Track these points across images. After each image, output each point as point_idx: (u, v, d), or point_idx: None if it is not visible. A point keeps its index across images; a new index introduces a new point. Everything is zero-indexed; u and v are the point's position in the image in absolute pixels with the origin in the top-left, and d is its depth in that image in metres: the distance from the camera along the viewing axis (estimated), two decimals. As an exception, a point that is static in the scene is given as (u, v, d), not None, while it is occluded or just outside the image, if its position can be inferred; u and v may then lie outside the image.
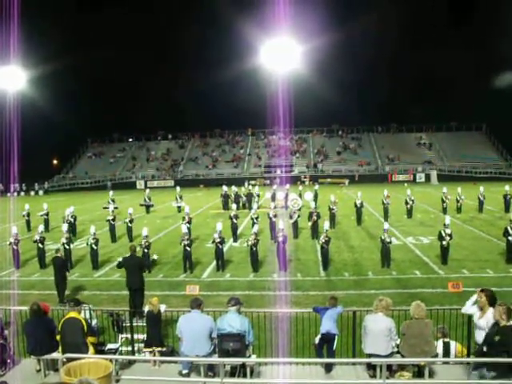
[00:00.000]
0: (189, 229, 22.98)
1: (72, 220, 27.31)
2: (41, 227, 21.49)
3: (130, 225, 25.55)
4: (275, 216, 24.43)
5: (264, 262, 19.96)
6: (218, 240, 19.09)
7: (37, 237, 20.42)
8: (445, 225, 19.66)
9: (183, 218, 25.09)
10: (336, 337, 9.58)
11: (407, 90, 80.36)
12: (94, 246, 20.01)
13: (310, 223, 24.32)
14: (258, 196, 36.08)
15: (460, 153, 70.53)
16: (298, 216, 25.67)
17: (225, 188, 36.66)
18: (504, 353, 7.38)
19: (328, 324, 9.50)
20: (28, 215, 30.24)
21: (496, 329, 7.63)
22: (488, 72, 65.52)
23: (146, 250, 18.90)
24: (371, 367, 8.51)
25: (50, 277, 17.96)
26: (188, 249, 19.03)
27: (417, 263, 19.21)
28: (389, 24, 73.40)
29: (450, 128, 77.52)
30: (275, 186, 37.19)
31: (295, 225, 25.10)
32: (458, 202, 31.26)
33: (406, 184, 58.69)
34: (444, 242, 18.96)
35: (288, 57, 56.18)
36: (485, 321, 8.07)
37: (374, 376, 8.38)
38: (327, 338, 9.50)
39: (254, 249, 18.83)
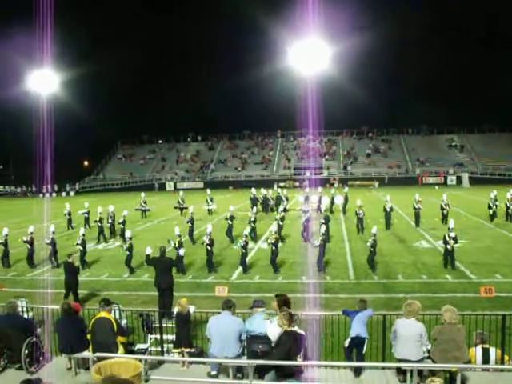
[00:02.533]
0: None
1: (111, 219, 27.90)
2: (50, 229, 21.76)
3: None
4: (307, 220, 24.31)
5: (293, 264, 19.91)
6: (208, 242, 19.20)
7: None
8: (449, 228, 19.45)
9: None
10: (366, 340, 9.51)
11: (438, 91, 79.49)
12: (127, 251, 19.66)
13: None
14: (287, 199, 35.64)
15: (493, 155, 69.17)
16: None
17: (253, 191, 36.33)
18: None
19: (358, 327, 9.44)
20: (69, 214, 31.03)
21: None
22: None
23: (208, 248, 19.19)
24: (401, 372, 8.40)
25: (82, 277, 18.27)
26: (209, 248, 19.22)
27: (448, 267, 18.93)
28: (418, 25, 72.71)
29: (483, 130, 76.12)
30: (307, 189, 36.62)
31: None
32: (490, 208, 29.78)
33: (436, 187, 58.06)
34: (448, 246, 18.69)
35: (317, 58, 55.90)
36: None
37: (404, 381, 8.27)
38: (357, 342, 9.44)
39: (274, 248, 18.87)
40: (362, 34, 63.86)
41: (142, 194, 36.12)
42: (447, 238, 18.76)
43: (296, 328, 8.22)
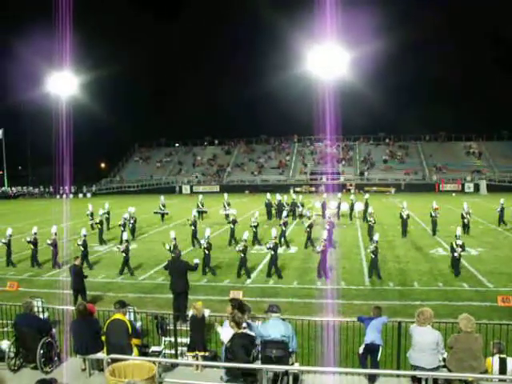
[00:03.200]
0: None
1: (132, 221, 28.20)
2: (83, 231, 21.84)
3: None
4: (330, 225, 24.26)
5: (308, 269, 19.85)
6: (205, 246, 19.25)
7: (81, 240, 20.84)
8: (456, 236, 19.23)
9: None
10: (380, 347, 9.44)
11: (457, 97, 79.04)
12: (124, 253, 19.78)
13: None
14: (302, 205, 34.80)
15: (511, 162, 68.54)
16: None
17: (268, 196, 35.78)
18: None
19: (372, 334, 9.38)
20: (92, 215, 31.13)
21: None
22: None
23: (206, 252, 19.20)
24: (416, 380, 8.34)
25: (97, 278, 18.41)
26: (206, 252, 19.26)
27: (464, 275, 18.74)
28: (437, 30, 72.34)
29: (502, 137, 75.33)
30: (325, 195, 35.97)
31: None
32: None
33: (453, 194, 57.62)
34: (456, 254, 18.50)
35: (335, 63, 55.87)
36: None
37: (419, 390, 8.21)
38: (371, 349, 9.38)
39: (273, 253, 18.81)
40: (379, 39, 63.70)
41: (162, 198, 35.89)
42: (454, 246, 18.59)
43: (246, 330, 8.66)
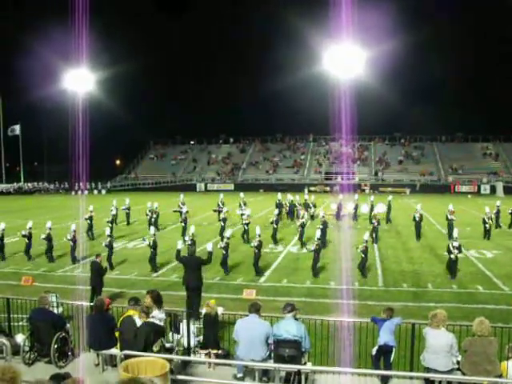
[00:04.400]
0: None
1: (155, 216, 28.64)
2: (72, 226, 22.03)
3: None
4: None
5: (322, 269, 19.81)
6: (189, 242, 19.18)
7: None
8: (453, 238, 19.13)
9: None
10: (394, 349, 9.39)
11: (473, 98, 78.37)
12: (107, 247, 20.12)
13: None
14: (314, 206, 34.47)
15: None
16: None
17: (279, 196, 34.96)
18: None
19: (386, 336, 9.33)
20: (116, 210, 31.88)
21: None
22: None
23: (256, 251, 19.20)
24: (429, 382, 8.28)
25: (111, 274, 18.49)
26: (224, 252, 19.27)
27: (479, 278, 18.60)
28: (453, 30, 71.77)
29: (519, 138, 74.66)
30: (341, 196, 35.39)
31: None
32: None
33: (469, 196, 57.21)
34: (452, 256, 18.35)
35: (352, 63, 55.66)
36: None
37: (432, 392, 8.16)
38: (384, 350, 9.33)
39: (257, 251, 19.04)
40: (396, 38, 63.39)
41: (181, 196, 35.56)
42: (451, 248, 18.45)
43: (155, 320, 8.98)
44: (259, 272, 19.15)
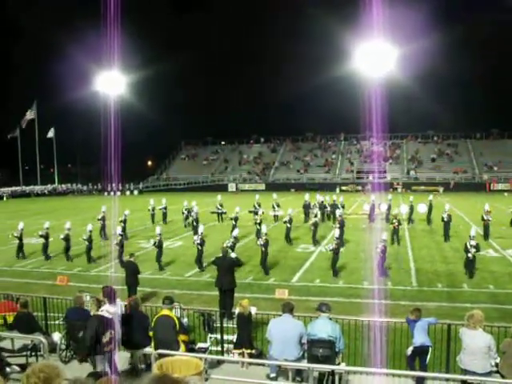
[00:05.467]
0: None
1: (195, 215, 29.06)
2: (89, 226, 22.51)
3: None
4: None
5: (355, 269, 19.67)
6: (198, 241, 19.71)
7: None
8: (470, 236, 18.70)
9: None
10: (430, 349, 9.24)
11: (508, 94, 76.86)
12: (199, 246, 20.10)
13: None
14: (343, 207, 33.14)
15: None
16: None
17: (306, 196, 34.36)
18: None
19: (421, 336, 9.18)
20: (153, 209, 33.25)
21: None
22: None
23: (263, 249, 19.25)
24: (466, 385, 8.14)
25: (143, 273, 18.65)
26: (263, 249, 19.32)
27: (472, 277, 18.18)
28: (486, 26, 70.49)
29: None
30: (373, 197, 34.13)
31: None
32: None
33: (506, 194, 56.14)
34: (469, 255, 18.04)
35: (383, 61, 55.13)
36: None
37: (470, 395, 8.00)
38: (420, 351, 9.18)
39: (264, 249, 19.11)
40: (428, 35, 62.59)
41: (219, 197, 35.62)
42: (468, 247, 18.14)
43: (103, 312, 8.99)
44: (267, 271, 19.19)
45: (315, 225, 24.74)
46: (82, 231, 23.11)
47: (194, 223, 28.01)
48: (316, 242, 24.51)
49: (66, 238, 22.02)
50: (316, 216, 25.96)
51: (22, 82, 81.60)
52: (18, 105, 75.11)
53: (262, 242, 19.17)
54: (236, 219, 26.56)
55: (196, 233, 21.95)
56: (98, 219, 27.89)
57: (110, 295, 9.92)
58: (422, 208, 32.52)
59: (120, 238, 20.77)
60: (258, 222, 25.20)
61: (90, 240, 21.64)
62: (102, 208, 28.73)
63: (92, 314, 9.31)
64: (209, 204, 36.10)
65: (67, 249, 22.15)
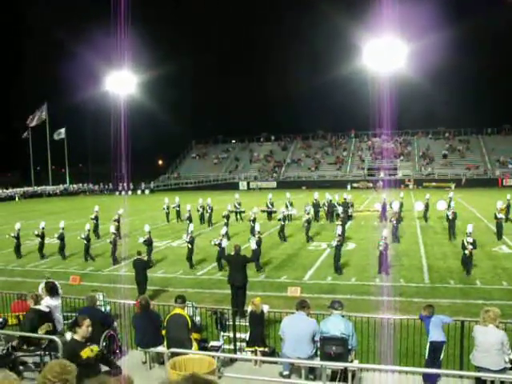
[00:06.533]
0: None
1: (209, 211, 29.91)
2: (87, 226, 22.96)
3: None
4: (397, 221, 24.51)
5: (367, 266, 19.62)
6: (188, 240, 20.00)
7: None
8: (467, 233, 18.55)
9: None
10: (444, 345, 9.18)
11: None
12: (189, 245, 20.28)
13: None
14: (352, 206, 33.39)
15: None
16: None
17: (315, 195, 33.50)
18: None
19: (436, 332, 9.12)
20: (167, 208, 33.65)
21: None
22: None
23: (255, 247, 18.85)
24: (481, 382, 8.07)
25: (157, 273, 18.70)
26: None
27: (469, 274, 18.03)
28: (497, 22, 69.88)
29: None
30: (385, 195, 33.86)
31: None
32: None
33: (517, 189, 55.70)
34: (466, 251, 17.88)
35: (393, 57, 54.85)
36: None
37: (483, 392, 7.94)
38: (435, 346, 9.12)
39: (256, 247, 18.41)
40: (438, 31, 62.15)
41: (236, 195, 35.59)
42: (465, 243, 18.00)
43: (41, 306, 9.48)
44: (260, 268, 19.17)
45: (308, 221, 25.08)
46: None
47: (209, 220, 28.52)
48: (309, 239, 24.87)
49: (61, 237, 22.29)
50: (308, 213, 25.89)
51: (32, 83, 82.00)
52: (28, 106, 75.50)
53: (254, 242, 18.42)
54: (254, 220, 25.70)
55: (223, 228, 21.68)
56: (92, 218, 28.17)
57: (52, 289, 10.36)
58: (441, 205, 32.00)
59: (114, 236, 21.09)
60: (252, 219, 25.34)
61: (87, 239, 21.90)
62: (95, 208, 29.04)
63: (30, 307, 9.65)
64: (222, 202, 36.06)
65: (62, 248, 22.45)
